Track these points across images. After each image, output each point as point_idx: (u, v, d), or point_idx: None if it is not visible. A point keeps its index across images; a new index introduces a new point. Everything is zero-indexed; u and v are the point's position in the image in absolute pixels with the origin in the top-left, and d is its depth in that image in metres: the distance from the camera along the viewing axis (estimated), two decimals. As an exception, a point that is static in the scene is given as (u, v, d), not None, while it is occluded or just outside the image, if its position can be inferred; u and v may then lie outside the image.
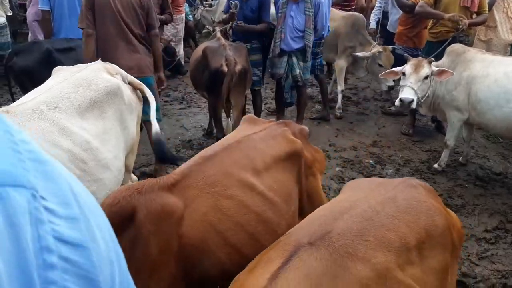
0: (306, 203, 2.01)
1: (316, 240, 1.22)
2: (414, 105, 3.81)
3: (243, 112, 4.29)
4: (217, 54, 3.88)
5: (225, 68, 3.77)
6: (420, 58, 3.99)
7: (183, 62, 6.57)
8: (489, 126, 3.76)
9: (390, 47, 5.14)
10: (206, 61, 3.89)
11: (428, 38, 4.70)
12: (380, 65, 4.98)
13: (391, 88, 5.04)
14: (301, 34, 4.50)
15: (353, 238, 1.25)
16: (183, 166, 1.69)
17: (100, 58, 2.85)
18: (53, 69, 2.46)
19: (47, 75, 3.71)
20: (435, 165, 4.18)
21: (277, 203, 1.76)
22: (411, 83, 3.78)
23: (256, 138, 1.92)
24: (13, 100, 4.41)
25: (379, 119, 5.50)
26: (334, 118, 5.48)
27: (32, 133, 1.86)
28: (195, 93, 6.21)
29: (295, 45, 4.54)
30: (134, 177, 2.93)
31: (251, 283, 1.17)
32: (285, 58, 4.60)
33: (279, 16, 4.54)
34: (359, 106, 5.98)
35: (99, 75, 2.33)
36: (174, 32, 6.28)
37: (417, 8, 4.50)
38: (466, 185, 3.93)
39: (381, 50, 5.03)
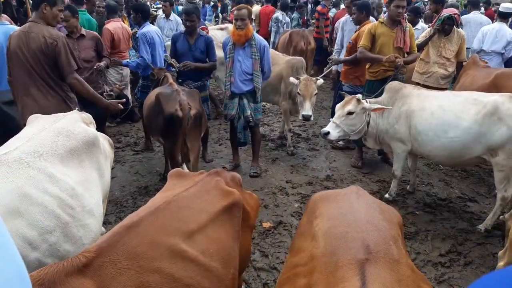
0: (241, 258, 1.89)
1: (368, 254, 1.38)
2: (331, 137, 4.20)
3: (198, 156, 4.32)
4: (171, 100, 3.92)
5: (180, 113, 3.81)
6: (352, 96, 4.28)
7: (132, 107, 6.52)
8: (431, 155, 4.04)
9: (315, 78, 5.32)
10: (160, 107, 3.90)
11: (367, 77, 5.05)
12: (299, 93, 5.13)
13: (306, 118, 5.07)
14: (249, 77, 4.68)
15: (384, 246, 1.45)
16: (102, 238, 1.46)
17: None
18: (28, 118, 2.51)
19: (-3, 128, 3.59)
20: (386, 195, 4.39)
21: (215, 269, 1.60)
22: (334, 118, 4.22)
23: (188, 195, 1.76)
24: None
25: (329, 154, 5.73)
26: (287, 155, 5.64)
27: (23, 181, 1.90)
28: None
29: (245, 88, 4.71)
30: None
31: None
32: (236, 100, 4.75)
33: (227, 60, 4.72)
34: (309, 142, 6.21)
35: (77, 125, 2.39)
36: (118, 77, 6.24)
37: (357, 54, 4.89)
38: (417, 212, 4.16)
39: (298, 78, 5.22)
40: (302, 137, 6.41)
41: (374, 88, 4.72)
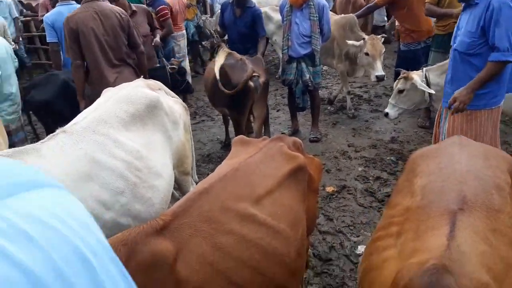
0: (308, 222, 1.92)
1: (463, 205, 1.39)
2: (391, 117, 4.33)
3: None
4: (237, 70, 3.90)
5: (251, 83, 3.79)
6: (403, 73, 4.14)
7: (190, 79, 6.63)
8: (509, 111, 3.72)
9: (379, 36, 5.04)
10: (227, 78, 3.89)
11: (436, 31, 4.69)
12: (367, 54, 4.86)
13: (380, 78, 4.82)
14: (307, 39, 4.53)
15: (483, 195, 1.45)
16: (176, 204, 1.54)
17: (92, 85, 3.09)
18: (103, 91, 2.64)
19: (66, 106, 3.81)
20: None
21: (283, 230, 1.63)
22: (390, 98, 4.32)
23: (253, 161, 1.78)
24: (37, 135, 4.52)
25: (393, 115, 5.48)
26: (348, 118, 5.48)
27: (91, 147, 2.03)
28: (206, 106, 6.28)
29: (303, 51, 4.57)
30: (196, 178, 3.11)
31: (427, 246, 1.28)
32: (294, 64, 4.64)
33: (285, 23, 4.58)
34: (372, 103, 5.97)
35: (139, 90, 2.46)
36: (176, 49, 6.34)
37: (425, 11, 4.54)
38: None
39: (364, 37, 4.94)
40: (363, 98, 6.19)
41: (444, 43, 4.39)
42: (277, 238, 1.60)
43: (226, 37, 5.09)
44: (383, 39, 5.00)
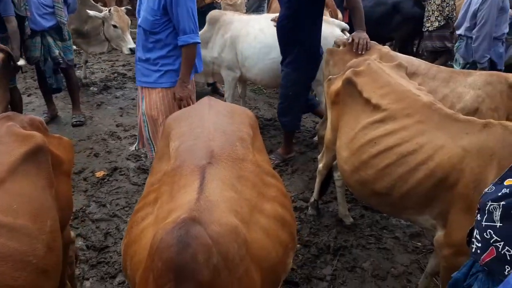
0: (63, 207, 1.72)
1: (211, 159, 1.46)
2: None
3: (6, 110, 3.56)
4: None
5: None
6: None
7: None
8: (257, 79, 4.21)
9: (124, 8, 4.93)
10: None
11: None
12: (115, 26, 4.67)
13: (132, 51, 4.56)
14: (50, 10, 3.97)
15: (229, 148, 1.56)
16: None
17: None
18: None
19: None
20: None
21: (21, 226, 1.38)
22: None
23: None
24: None
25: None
26: (114, 98, 5.20)
27: None
28: None
29: (47, 23, 4.00)
30: None
31: (180, 203, 1.26)
32: (38, 39, 4.03)
33: (18, -9, 3.87)
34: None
35: None
36: None
37: None
38: (248, 135, 4.39)
39: (107, 8, 4.81)
40: (128, 76, 5.96)
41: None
42: (14, 238, 1.32)
43: None
44: (126, 10, 4.86)
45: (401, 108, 2.18)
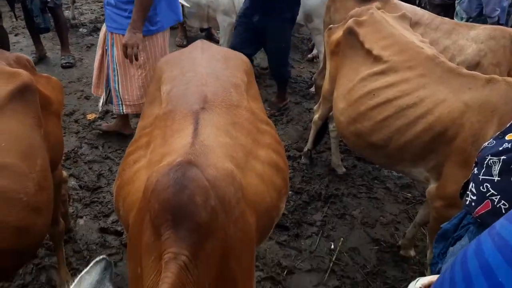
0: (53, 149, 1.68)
1: (204, 104, 1.42)
2: None
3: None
4: None
5: None
6: None
7: None
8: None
9: None
10: None
11: None
12: None
13: None
14: None
15: (223, 94, 1.51)
16: None
17: None
18: None
19: None
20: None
21: (10, 165, 1.36)
22: None
23: None
24: None
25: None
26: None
27: None
28: None
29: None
30: None
31: (174, 147, 1.23)
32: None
33: None
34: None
35: None
36: None
37: None
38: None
39: None
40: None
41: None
42: (4, 176, 1.31)
43: None
44: None
45: (403, 60, 2.12)
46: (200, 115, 1.36)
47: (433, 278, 0.90)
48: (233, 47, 3.32)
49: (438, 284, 0.55)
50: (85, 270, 0.80)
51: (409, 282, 2.29)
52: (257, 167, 1.40)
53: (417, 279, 0.69)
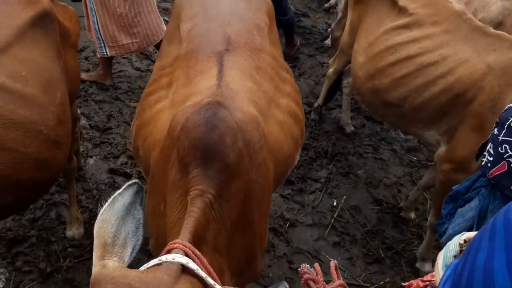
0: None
1: (228, 45, 1.38)
2: None
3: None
4: None
5: None
6: None
7: None
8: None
9: None
10: None
11: None
12: None
13: None
14: None
15: (246, 35, 1.46)
16: None
17: None
18: None
19: None
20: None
21: (32, 95, 1.33)
22: None
23: None
24: None
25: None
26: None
27: None
28: None
29: None
30: None
31: (199, 89, 1.22)
32: None
33: None
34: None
35: None
36: None
37: None
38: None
39: None
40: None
41: None
42: (25, 105, 1.29)
43: None
44: None
45: (428, 14, 2.05)
46: (224, 56, 1.34)
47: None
48: None
49: (480, 231, 0.58)
50: (118, 191, 0.83)
51: (407, 244, 2.42)
52: (278, 116, 1.40)
53: (463, 233, 0.71)
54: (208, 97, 1.13)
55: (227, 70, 1.28)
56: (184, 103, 1.21)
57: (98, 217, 0.80)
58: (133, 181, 0.87)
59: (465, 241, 0.70)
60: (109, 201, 0.82)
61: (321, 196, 2.62)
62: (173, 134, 1.09)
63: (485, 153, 1.34)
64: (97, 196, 2.35)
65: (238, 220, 1.06)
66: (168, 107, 1.31)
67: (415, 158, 3.01)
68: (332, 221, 2.48)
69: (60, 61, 1.53)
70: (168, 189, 1.05)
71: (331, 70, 2.93)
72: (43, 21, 1.45)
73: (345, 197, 2.63)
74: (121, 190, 0.84)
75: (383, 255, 2.35)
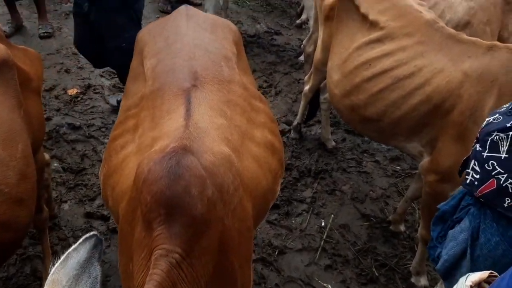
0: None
1: (195, 81, 1.32)
2: None
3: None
4: None
5: None
6: None
7: None
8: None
9: None
10: None
11: None
12: None
13: None
14: None
15: (214, 68, 1.41)
16: None
17: None
18: None
19: None
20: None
21: None
22: None
23: None
24: None
25: None
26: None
27: None
28: None
29: None
30: None
31: (166, 131, 1.15)
32: None
33: None
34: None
35: None
36: None
37: None
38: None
39: None
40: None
41: None
42: None
43: None
44: None
45: (400, 26, 2.02)
46: (192, 93, 1.27)
47: (483, 274, 0.86)
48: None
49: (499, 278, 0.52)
50: (73, 246, 0.74)
51: (400, 258, 2.36)
52: (253, 149, 1.33)
53: (467, 275, 0.65)
54: (174, 141, 1.05)
55: (195, 108, 1.22)
56: (151, 148, 1.13)
57: (48, 278, 0.71)
58: (91, 233, 0.78)
59: (471, 287, 0.64)
60: (61, 258, 0.73)
61: (308, 218, 2.55)
62: (138, 185, 1.01)
63: (468, 170, 1.28)
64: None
65: (215, 274, 0.97)
66: (135, 153, 1.23)
67: (399, 168, 2.98)
68: (322, 243, 2.40)
69: (21, 110, 1.44)
70: (134, 248, 0.97)
71: (307, 87, 2.90)
72: (0, 70, 1.37)
73: (332, 216, 2.57)
74: (76, 245, 0.75)
75: (376, 274, 2.28)
